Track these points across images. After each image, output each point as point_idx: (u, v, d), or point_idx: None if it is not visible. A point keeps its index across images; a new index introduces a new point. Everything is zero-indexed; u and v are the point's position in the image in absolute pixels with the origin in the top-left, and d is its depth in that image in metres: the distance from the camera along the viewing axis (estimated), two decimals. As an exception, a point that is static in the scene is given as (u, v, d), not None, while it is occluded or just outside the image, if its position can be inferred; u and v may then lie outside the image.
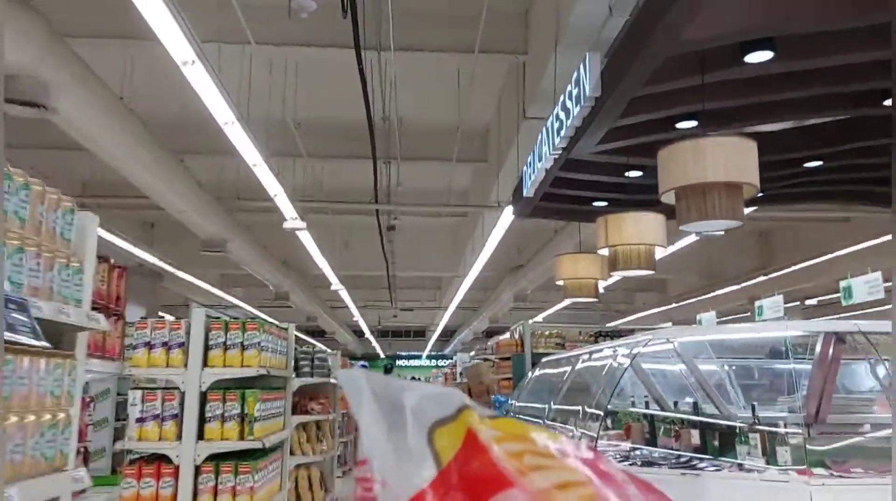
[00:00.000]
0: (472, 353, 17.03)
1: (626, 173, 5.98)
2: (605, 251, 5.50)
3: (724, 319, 12.40)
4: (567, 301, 20.51)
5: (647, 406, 5.06)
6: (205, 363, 4.14)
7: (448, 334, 33.95)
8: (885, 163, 6.14)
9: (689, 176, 3.73)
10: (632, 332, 9.22)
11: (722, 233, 10.91)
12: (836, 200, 7.56)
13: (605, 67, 4.42)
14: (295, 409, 6.51)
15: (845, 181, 6.75)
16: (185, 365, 4.09)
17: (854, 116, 5.40)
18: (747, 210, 10.44)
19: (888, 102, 4.77)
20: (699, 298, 18.77)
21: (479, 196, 12.28)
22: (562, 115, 5.09)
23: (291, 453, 6.42)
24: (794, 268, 14.16)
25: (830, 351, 3.60)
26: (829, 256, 12.77)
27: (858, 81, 4.48)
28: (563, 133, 5.11)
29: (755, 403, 3.85)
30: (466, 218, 14.97)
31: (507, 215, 9.84)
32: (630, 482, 0.90)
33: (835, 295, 16.54)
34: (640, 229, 5.22)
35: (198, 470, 4.04)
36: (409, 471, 0.84)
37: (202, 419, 4.09)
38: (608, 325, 15.34)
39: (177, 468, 4.01)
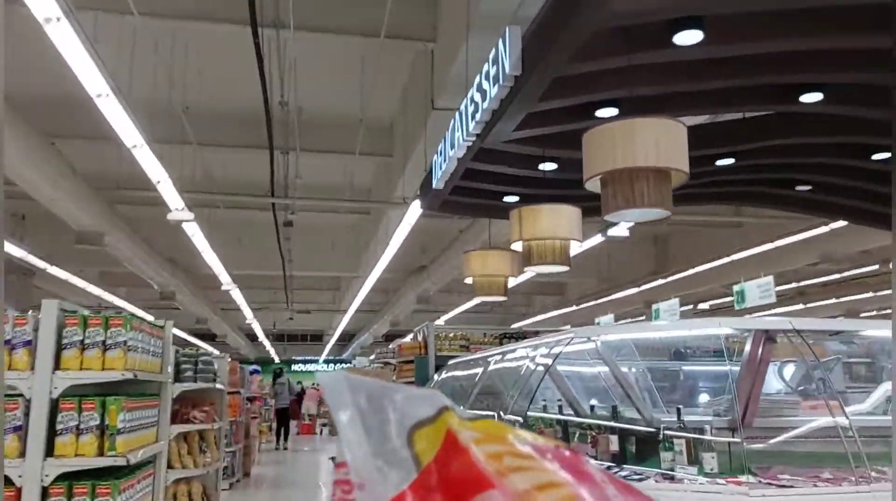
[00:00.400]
0: (373, 357, 16.51)
1: (541, 166, 5.71)
2: (518, 246, 5.18)
3: (621, 322, 12.47)
4: (469, 304, 20.37)
5: (560, 411, 4.75)
6: (57, 366, 3.48)
7: (347, 337, 33.26)
8: (789, 164, 6.17)
9: (617, 160, 3.43)
10: (536, 333, 9.01)
11: (626, 235, 10.96)
12: (742, 200, 7.59)
13: (527, 44, 4.09)
14: (175, 418, 5.93)
15: (752, 182, 6.75)
16: (32, 368, 3.43)
17: (771, 112, 5.34)
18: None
19: (804, 98, 4.69)
20: (597, 301, 19.02)
21: (382, 192, 11.82)
22: (477, 97, 4.72)
23: (170, 466, 5.83)
24: (689, 272, 14.48)
25: (760, 351, 3.38)
26: (724, 260, 13.10)
27: (781, 72, 4.35)
28: (478, 118, 4.75)
29: (680, 406, 3.58)
30: (369, 216, 14.47)
31: (412, 213, 9.45)
32: (609, 482, 0.88)
33: (727, 299, 17.13)
34: (555, 222, 4.93)
35: (45, 493, 3.39)
36: (388, 473, 0.83)
37: (52, 432, 3.43)
38: (512, 326, 15.20)
39: (19, 490, 3.34)
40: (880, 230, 8.53)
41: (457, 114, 5.27)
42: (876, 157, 5.70)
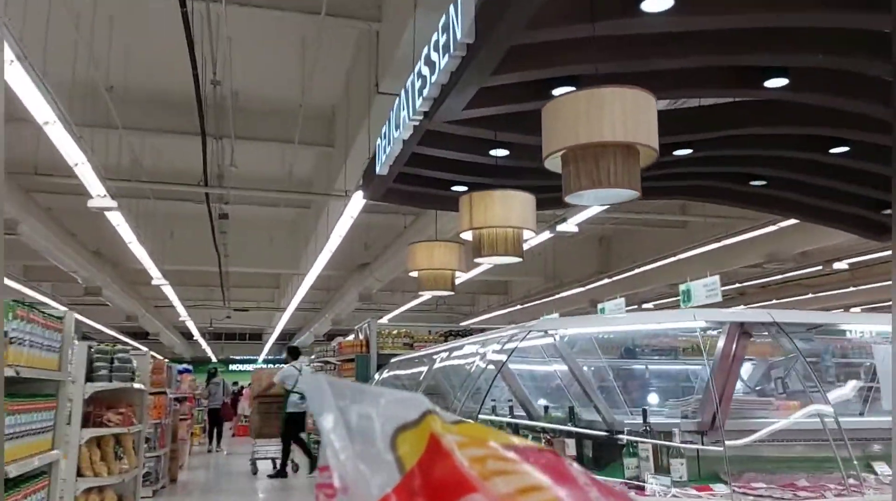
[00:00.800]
0: (313, 356, 15.94)
1: (492, 152, 5.35)
2: (468, 235, 4.80)
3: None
4: (412, 302, 19.96)
5: (511, 412, 4.39)
6: (-77, 362, 2.95)
7: (287, 336, 32.45)
8: (746, 156, 5.97)
9: (581, 134, 3.08)
10: (482, 331, 8.68)
11: (575, 230, 10.71)
12: (694, 195, 7.38)
13: (481, 9, 3.73)
14: (87, 421, 5.39)
15: (706, 176, 6.54)
16: None
17: (733, 100, 5.12)
18: (597, 210, 10.18)
19: (768, 83, 4.46)
20: (542, 300, 18.85)
21: (323, 184, 11.30)
22: (425, 71, 4.33)
23: (81, 474, 5.29)
24: (635, 271, 14.39)
25: (735, 346, 3.08)
26: (669, 259, 13.03)
27: (747, 52, 4.09)
28: (425, 93, 4.36)
29: (645, 407, 3.26)
30: (309, 209, 13.92)
31: (354, 205, 9.00)
32: (592, 485, 0.88)
33: (671, 299, 17.15)
34: (508, 209, 4.57)
35: None
36: (371, 477, 0.83)
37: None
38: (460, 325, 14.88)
39: None
40: (827, 229, 8.49)
41: (402, 91, 4.87)
42: (834, 151, 5.54)
